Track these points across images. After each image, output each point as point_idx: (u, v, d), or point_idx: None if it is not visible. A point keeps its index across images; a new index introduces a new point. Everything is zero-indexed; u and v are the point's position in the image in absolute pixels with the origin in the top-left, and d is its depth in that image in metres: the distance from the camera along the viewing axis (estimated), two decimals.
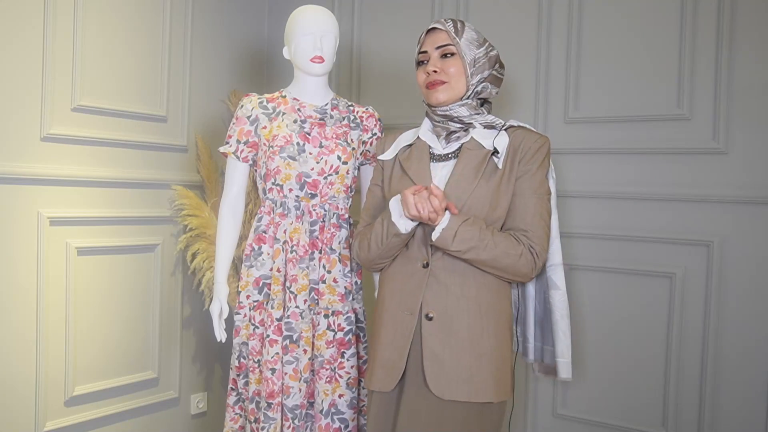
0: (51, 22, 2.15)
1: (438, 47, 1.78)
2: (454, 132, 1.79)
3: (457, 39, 1.76)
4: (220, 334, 2.14)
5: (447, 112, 1.78)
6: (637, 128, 2.19)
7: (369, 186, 1.96)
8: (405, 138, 1.90)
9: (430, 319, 1.70)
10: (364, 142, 2.16)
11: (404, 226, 1.69)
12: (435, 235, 1.65)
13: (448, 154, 1.79)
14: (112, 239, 2.38)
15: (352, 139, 2.12)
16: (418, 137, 1.84)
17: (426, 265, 1.72)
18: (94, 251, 2.33)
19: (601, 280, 2.26)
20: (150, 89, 2.48)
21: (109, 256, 2.38)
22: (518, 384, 2.38)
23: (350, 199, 2.13)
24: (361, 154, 2.16)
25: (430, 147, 1.81)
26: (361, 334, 2.14)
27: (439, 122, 1.81)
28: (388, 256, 1.79)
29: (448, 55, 1.77)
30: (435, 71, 1.76)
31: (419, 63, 1.83)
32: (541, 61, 2.34)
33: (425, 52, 1.80)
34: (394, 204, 1.71)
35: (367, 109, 2.19)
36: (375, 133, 2.17)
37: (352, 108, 2.17)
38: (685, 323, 2.13)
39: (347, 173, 2.09)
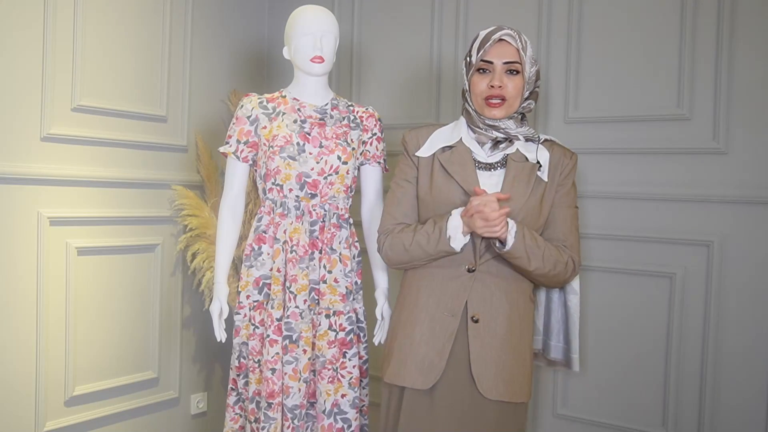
0: (51, 22, 2.15)
1: (506, 62, 1.74)
2: (500, 142, 1.79)
3: (524, 56, 1.75)
4: (220, 334, 2.13)
5: (495, 124, 1.78)
6: (637, 128, 2.19)
7: (396, 181, 1.88)
8: (441, 137, 1.85)
9: (476, 321, 1.73)
10: (364, 142, 2.16)
11: (460, 245, 1.71)
12: (510, 242, 1.67)
13: (493, 163, 1.79)
14: (112, 239, 2.38)
15: (352, 139, 2.12)
16: (461, 140, 1.81)
17: (471, 270, 1.75)
18: (94, 251, 2.33)
19: (601, 280, 2.26)
20: (150, 89, 2.48)
21: (109, 256, 2.38)
22: None
23: (350, 199, 2.13)
24: (361, 154, 2.16)
25: (472, 152, 1.80)
26: (362, 334, 2.14)
27: (482, 130, 1.79)
28: (427, 262, 1.79)
29: (514, 73, 1.75)
30: (500, 86, 1.74)
31: (478, 70, 1.77)
32: (542, 61, 2.34)
33: (491, 62, 1.75)
34: (453, 225, 1.70)
35: (367, 109, 2.19)
36: (375, 133, 2.16)
37: (352, 108, 2.17)
38: (685, 323, 2.13)
39: (347, 173, 2.09)
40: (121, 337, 2.44)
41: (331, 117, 2.12)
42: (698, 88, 2.09)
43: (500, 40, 1.75)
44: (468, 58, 1.80)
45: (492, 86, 1.74)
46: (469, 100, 1.81)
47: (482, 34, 1.78)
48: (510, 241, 1.67)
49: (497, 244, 1.69)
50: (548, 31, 2.33)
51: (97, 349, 2.37)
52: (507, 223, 1.67)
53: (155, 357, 2.56)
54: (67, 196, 2.24)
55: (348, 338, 2.06)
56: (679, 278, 2.13)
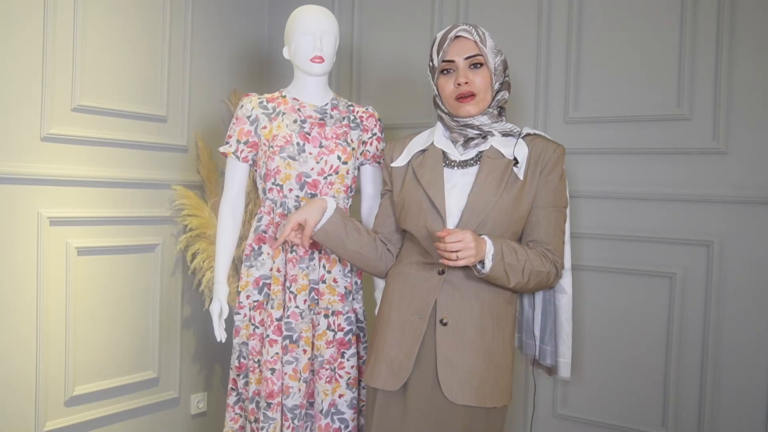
0: (51, 22, 2.15)
1: (467, 57, 1.72)
2: (473, 139, 1.77)
3: (484, 48, 1.72)
4: (220, 334, 2.14)
5: (469, 122, 1.76)
6: (637, 128, 2.19)
7: (381, 192, 2.00)
8: (417, 143, 1.86)
9: (445, 324, 1.70)
10: (364, 142, 2.16)
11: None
12: (488, 266, 1.63)
13: (466, 161, 1.77)
14: (112, 239, 2.38)
15: (352, 139, 2.12)
16: (433, 144, 1.81)
17: (442, 272, 1.73)
18: (94, 251, 2.33)
19: (601, 280, 2.26)
20: (150, 89, 2.48)
21: (109, 256, 2.38)
22: (518, 384, 2.38)
23: (350, 199, 2.13)
24: (361, 154, 2.16)
25: (445, 153, 1.78)
26: (361, 334, 2.14)
27: (456, 129, 1.78)
28: (362, 267, 1.95)
29: (478, 66, 1.73)
30: (466, 83, 1.72)
31: (443, 71, 1.76)
32: (541, 61, 2.34)
33: (452, 61, 1.74)
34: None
35: (367, 109, 2.19)
36: (375, 133, 2.17)
37: (352, 108, 2.17)
38: (685, 323, 2.13)
39: (347, 173, 2.09)
40: (121, 337, 2.44)
41: (331, 117, 2.12)
42: (698, 88, 2.09)
43: (457, 37, 1.74)
44: (431, 63, 1.79)
45: (459, 84, 1.72)
46: (441, 104, 1.80)
47: (439, 35, 1.77)
48: (488, 265, 1.63)
49: (477, 266, 1.65)
50: (548, 31, 2.33)
51: (97, 349, 2.37)
52: (485, 241, 1.63)
53: (155, 357, 2.56)
54: (67, 196, 2.24)
55: (347, 338, 2.06)
56: (679, 278, 2.13)
